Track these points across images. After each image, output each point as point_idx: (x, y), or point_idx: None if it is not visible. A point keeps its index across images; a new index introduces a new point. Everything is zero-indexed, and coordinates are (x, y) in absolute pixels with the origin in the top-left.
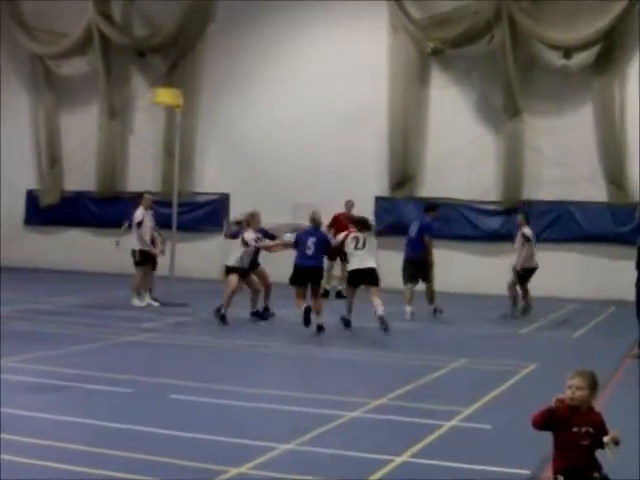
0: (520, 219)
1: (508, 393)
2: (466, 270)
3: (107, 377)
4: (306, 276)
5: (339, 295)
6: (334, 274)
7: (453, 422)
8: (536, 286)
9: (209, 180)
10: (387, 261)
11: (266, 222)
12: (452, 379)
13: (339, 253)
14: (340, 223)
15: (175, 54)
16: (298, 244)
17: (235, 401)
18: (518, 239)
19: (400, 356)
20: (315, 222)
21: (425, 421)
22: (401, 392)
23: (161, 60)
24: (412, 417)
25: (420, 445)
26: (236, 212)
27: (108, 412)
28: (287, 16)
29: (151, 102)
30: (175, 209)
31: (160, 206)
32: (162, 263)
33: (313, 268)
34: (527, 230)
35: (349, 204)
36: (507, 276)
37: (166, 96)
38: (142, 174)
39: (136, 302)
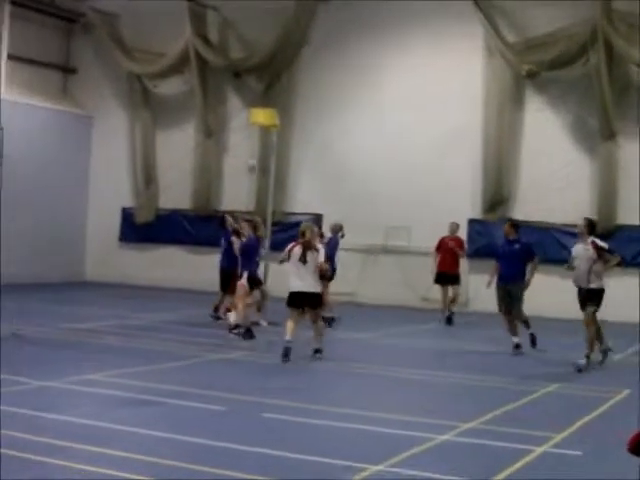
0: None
1: (600, 420)
2: (559, 294)
3: (200, 394)
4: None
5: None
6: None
7: (543, 448)
8: (630, 312)
9: (302, 200)
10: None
11: (358, 243)
12: (544, 404)
13: None
14: (445, 246)
15: (270, 75)
16: None
17: (326, 421)
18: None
19: (491, 379)
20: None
21: (516, 446)
22: (492, 416)
23: (256, 81)
24: (503, 441)
25: (510, 470)
26: (328, 232)
27: (202, 429)
28: (382, 39)
29: (247, 122)
30: (269, 229)
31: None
32: None
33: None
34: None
35: (453, 226)
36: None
37: (262, 116)
38: (236, 193)
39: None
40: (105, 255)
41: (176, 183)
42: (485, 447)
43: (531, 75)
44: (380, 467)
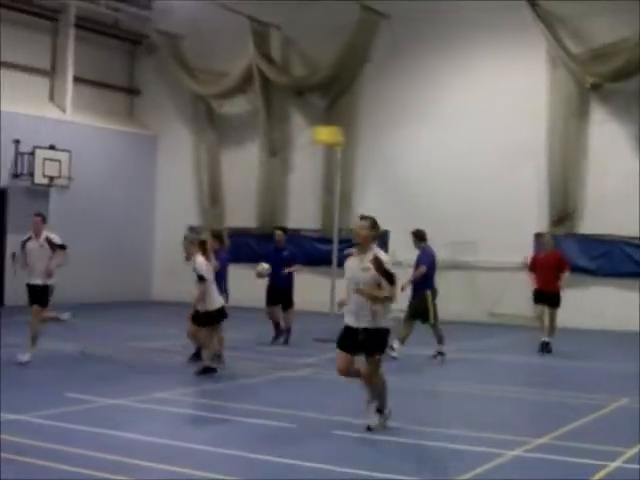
0: None
1: None
2: (623, 307)
3: (269, 411)
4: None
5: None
6: None
7: (617, 463)
8: None
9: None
10: None
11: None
12: (614, 419)
13: None
14: (542, 263)
15: (333, 93)
16: None
17: (397, 437)
18: None
19: (558, 394)
20: None
21: (588, 461)
22: (562, 431)
23: (320, 98)
24: (575, 457)
25: None
26: (396, 249)
27: (273, 447)
28: (443, 54)
29: (311, 140)
30: (336, 246)
31: (319, 242)
32: (322, 300)
33: None
34: None
35: (545, 238)
36: None
37: (327, 134)
38: (301, 211)
39: None
40: (171, 274)
41: (241, 202)
42: (557, 463)
43: (595, 86)
44: None
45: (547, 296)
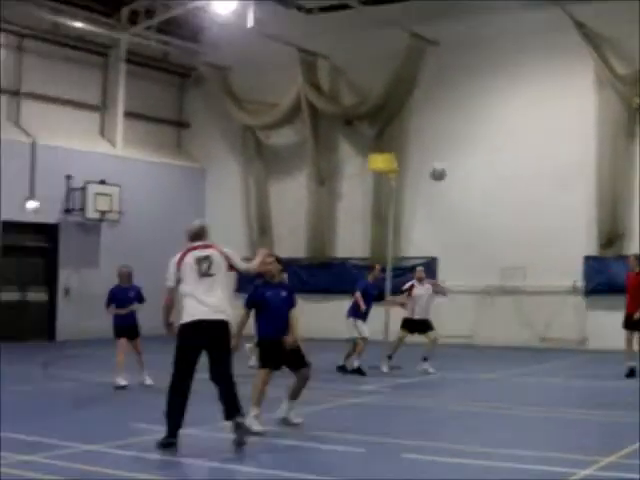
0: None
1: None
2: None
3: (336, 437)
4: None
5: None
6: None
7: None
8: None
9: (417, 244)
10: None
11: (474, 285)
12: None
13: None
14: (631, 284)
15: (382, 120)
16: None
17: (467, 459)
18: None
19: (621, 414)
20: None
21: None
22: (630, 450)
23: (368, 127)
24: None
25: None
26: (444, 276)
27: (347, 471)
28: (491, 78)
29: (365, 168)
30: (389, 274)
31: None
32: (375, 328)
33: None
34: None
35: (630, 260)
36: None
37: (381, 162)
38: (351, 240)
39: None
40: None
41: (290, 232)
42: None
43: None
44: None
45: (632, 319)
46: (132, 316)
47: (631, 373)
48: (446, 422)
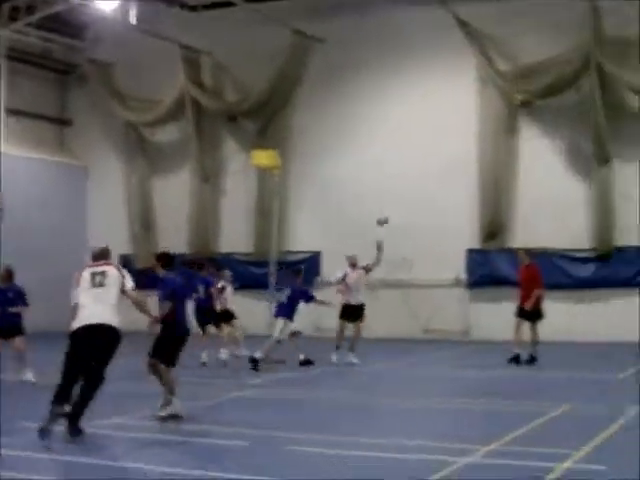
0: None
1: (616, 435)
2: (559, 318)
3: (222, 431)
4: None
5: None
6: None
7: (567, 464)
8: (631, 331)
9: (301, 239)
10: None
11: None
12: (559, 424)
13: None
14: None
15: (265, 117)
16: None
17: (350, 450)
18: None
19: (503, 403)
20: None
21: (539, 464)
22: (510, 437)
23: (252, 123)
24: (525, 460)
25: None
26: (328, 270)
27: (232, 464)
28: (375, 75)
29: (249, 164)
30: (273, 269)
31: (252, 266)
32: (260, 321)
33: None
34: None
35: (518, 253)
36: (601, 323)
37: (264, 158)
38: (235, 235)
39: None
40: None
41: (174, 228)
42: (509, 467)
43: (525, 103)
44: None
45: (523, 310)
46: (10, 316)
47: (515, 359)
48: (332, 414)
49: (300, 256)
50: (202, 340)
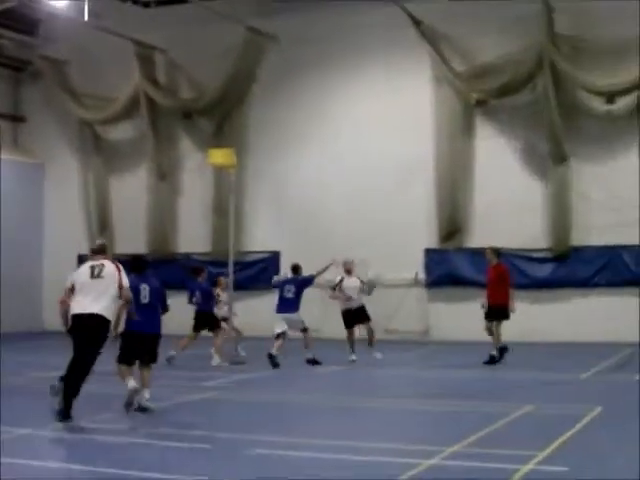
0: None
1: (579, 436)
2: (518, 318)
3: (182, 434)
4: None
5: None
6: None
7: (530, 466)
8: (591, 331)
9: (259, 238)
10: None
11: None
12: (522, 425)
13: None
14: (489, 276)
15: (221, 114)
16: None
17: (312, 453)
18: None
19: (464, 404)
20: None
21: (502, 466)
22: (473, 439)
23: (207, 121)
24: (489, 462)
25: None
26: (286, 270)
27: (195, 468)
28: (330, 73)
29: (206, 163)
30: (231, 268)
31: (211, 266)
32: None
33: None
34: None
35: (486, 253)
36: (559, 323)
37: (220, 156)
38: (192, 235)
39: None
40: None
41: (132, 227)
42: (472, 469)
43: (480, 103)
44: None
45: (491, 310)
46: None
47: (491, 360)
48: (292, 416)
49: (259, 256)
50: (184, 341)
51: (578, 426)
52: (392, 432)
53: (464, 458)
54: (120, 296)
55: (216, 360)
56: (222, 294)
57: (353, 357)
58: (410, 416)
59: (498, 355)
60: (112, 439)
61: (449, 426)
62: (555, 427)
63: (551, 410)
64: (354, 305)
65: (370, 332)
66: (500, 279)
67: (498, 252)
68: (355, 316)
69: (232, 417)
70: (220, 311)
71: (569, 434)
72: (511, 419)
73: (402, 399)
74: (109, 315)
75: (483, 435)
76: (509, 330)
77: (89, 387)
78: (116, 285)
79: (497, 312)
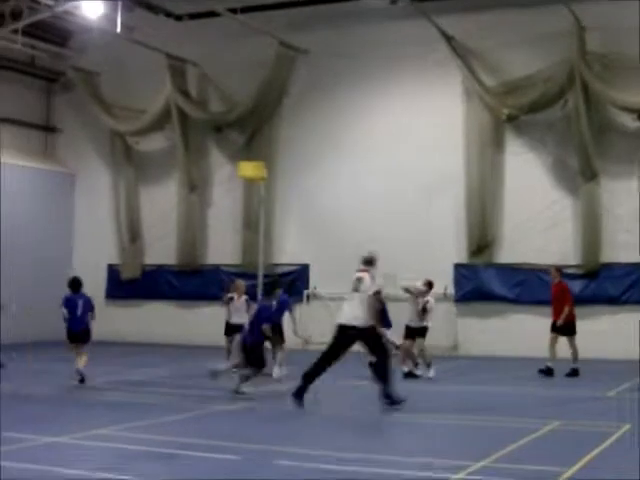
0: None
1: (607, 453)
2: (542, 334)
3: (211, 444)
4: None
5: None
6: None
7: None
8: (619, 348)
9: (289, 251)
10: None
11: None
12: (549, 441)
13: None
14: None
15: (251, 128)
16: None
17: (339, 466)
18: None
19: (493, 419)
20: None
21: None
22: (500, 455)
23: (238, 134)
24: (516, 478)
25: None
26: (316, 283)
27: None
28: (361, 87)
29: (236, 175)
30: (261, 280)
31: (241, 278)
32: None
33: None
34: None
35: (550, 271)
36: (588, 340)
37: (250, 169)
38: (221, 247)
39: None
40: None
41: (161, 238)
42: None
43: (511, 118)
44: None
45: (557, 326)
46: None
47: (547, 371)
48: (321, 428)
49: (288, 269)
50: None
51: (606, 443)
52: (419, 446)
53: (491, 474)
54: None
55: (276, 372)
56: (238, 300)
57: (431, 373)
58: (437, 431)
59: (571, 371)
60: (140, 448)
61: (476, 441)
62: (583, 444)
63: (579, 427)
64: (414, 324)
65: (420, 348)
66: (561, 296)
67: (561, 271)
68: (414, 332)
69: (261, 428)
70: (232, 318)
71: (597, 451)
72: (538, 435)
73: (429, 414)
74: None
75: (510, 451)
76: (539, 346)
77: (117, 397)
78: None
79: (563, 328)
